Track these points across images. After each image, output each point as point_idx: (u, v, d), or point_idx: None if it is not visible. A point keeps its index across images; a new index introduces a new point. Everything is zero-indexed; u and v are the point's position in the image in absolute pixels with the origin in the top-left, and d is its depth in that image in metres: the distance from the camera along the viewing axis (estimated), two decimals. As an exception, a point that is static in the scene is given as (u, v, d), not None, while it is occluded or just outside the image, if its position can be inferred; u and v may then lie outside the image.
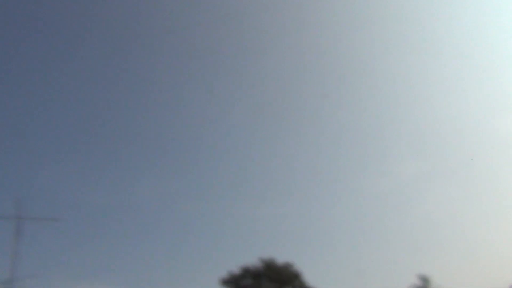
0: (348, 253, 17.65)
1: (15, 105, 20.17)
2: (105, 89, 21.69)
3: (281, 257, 14.95)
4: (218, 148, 21.13)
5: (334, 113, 21.88)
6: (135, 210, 19.05)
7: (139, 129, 21.31)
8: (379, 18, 23.21)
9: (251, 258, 14.95)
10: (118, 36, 22.13)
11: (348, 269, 16.61)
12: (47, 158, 19.34)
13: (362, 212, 18.92)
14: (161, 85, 22.14)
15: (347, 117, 21.98)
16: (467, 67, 22.29)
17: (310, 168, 20.87)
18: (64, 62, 21.10)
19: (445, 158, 20.83)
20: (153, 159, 20.64)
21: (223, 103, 21.68)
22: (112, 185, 19.78)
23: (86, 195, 18.83)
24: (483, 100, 22.16)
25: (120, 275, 16.73)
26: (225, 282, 14.79)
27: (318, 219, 18.98)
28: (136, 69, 22.25)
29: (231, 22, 22.53)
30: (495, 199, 18.13)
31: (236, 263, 14.96)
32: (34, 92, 20.76)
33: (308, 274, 14.81)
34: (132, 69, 21.97)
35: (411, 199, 19.72)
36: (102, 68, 21.56)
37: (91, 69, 21.33)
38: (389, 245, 17.71)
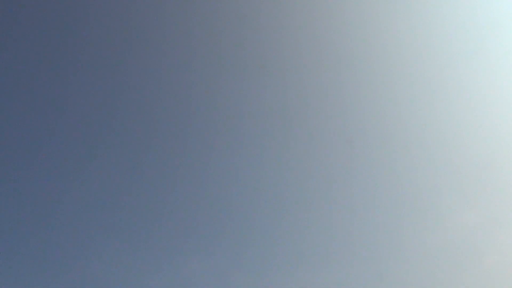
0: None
1: (57, 199, 20.20)
2: (144, 177, 21.55)
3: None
4: (261, 218, 20.47)
5: (378, 168, 20.93)
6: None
7: (187, 204, 20.91)
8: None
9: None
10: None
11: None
12: (94, 247, 19.10)
13: (421, 273, 17.78)
14: (207, 159, 21.83)
15: (391, 171, 20.96)
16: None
17: (356, 227, 19.76)
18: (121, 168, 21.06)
19: (507, 204, 19.48)
20: (203, 234, 20.10)
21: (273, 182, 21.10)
22: (163, 266, 19.35)
23: (139, 280, 18.44)
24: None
25: None
26: None
27: (370, 284, 17.87)
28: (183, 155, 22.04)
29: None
30: None
31: None
32: (74, 191, 20.77)
33: None
34: (177, 157, 21.78)
35: (473, 252, 18.36)
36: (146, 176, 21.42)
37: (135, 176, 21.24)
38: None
